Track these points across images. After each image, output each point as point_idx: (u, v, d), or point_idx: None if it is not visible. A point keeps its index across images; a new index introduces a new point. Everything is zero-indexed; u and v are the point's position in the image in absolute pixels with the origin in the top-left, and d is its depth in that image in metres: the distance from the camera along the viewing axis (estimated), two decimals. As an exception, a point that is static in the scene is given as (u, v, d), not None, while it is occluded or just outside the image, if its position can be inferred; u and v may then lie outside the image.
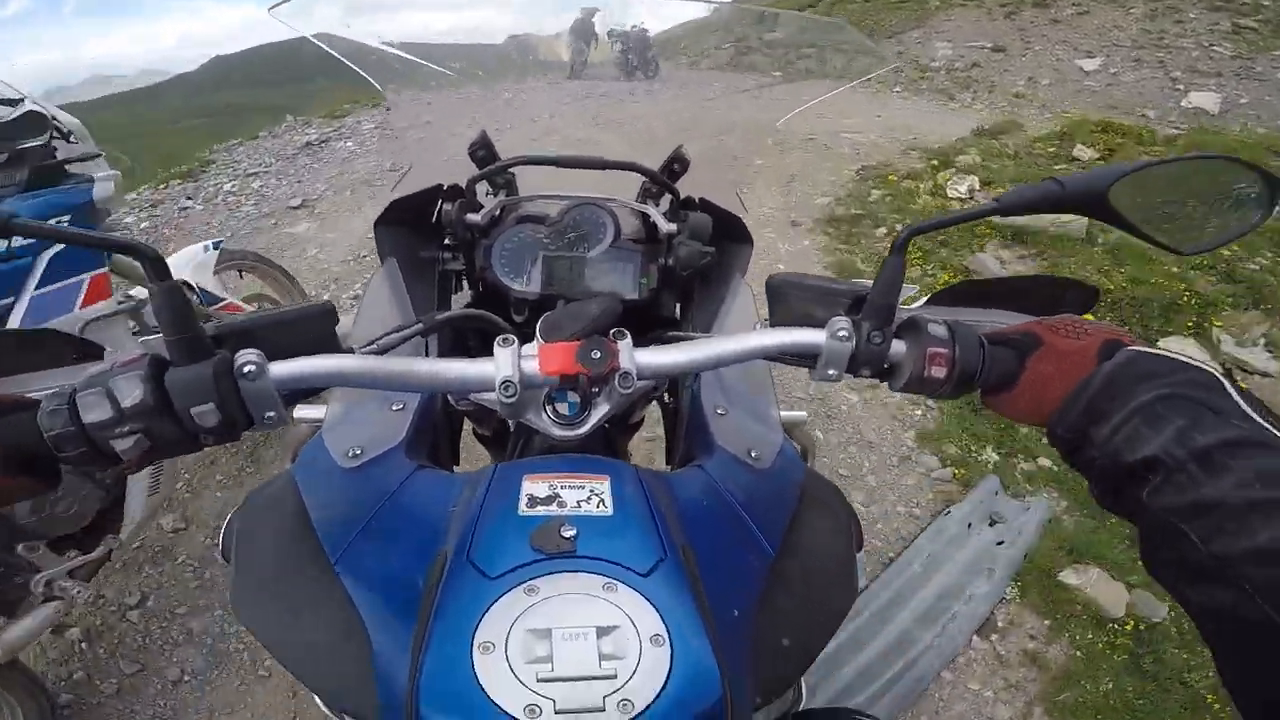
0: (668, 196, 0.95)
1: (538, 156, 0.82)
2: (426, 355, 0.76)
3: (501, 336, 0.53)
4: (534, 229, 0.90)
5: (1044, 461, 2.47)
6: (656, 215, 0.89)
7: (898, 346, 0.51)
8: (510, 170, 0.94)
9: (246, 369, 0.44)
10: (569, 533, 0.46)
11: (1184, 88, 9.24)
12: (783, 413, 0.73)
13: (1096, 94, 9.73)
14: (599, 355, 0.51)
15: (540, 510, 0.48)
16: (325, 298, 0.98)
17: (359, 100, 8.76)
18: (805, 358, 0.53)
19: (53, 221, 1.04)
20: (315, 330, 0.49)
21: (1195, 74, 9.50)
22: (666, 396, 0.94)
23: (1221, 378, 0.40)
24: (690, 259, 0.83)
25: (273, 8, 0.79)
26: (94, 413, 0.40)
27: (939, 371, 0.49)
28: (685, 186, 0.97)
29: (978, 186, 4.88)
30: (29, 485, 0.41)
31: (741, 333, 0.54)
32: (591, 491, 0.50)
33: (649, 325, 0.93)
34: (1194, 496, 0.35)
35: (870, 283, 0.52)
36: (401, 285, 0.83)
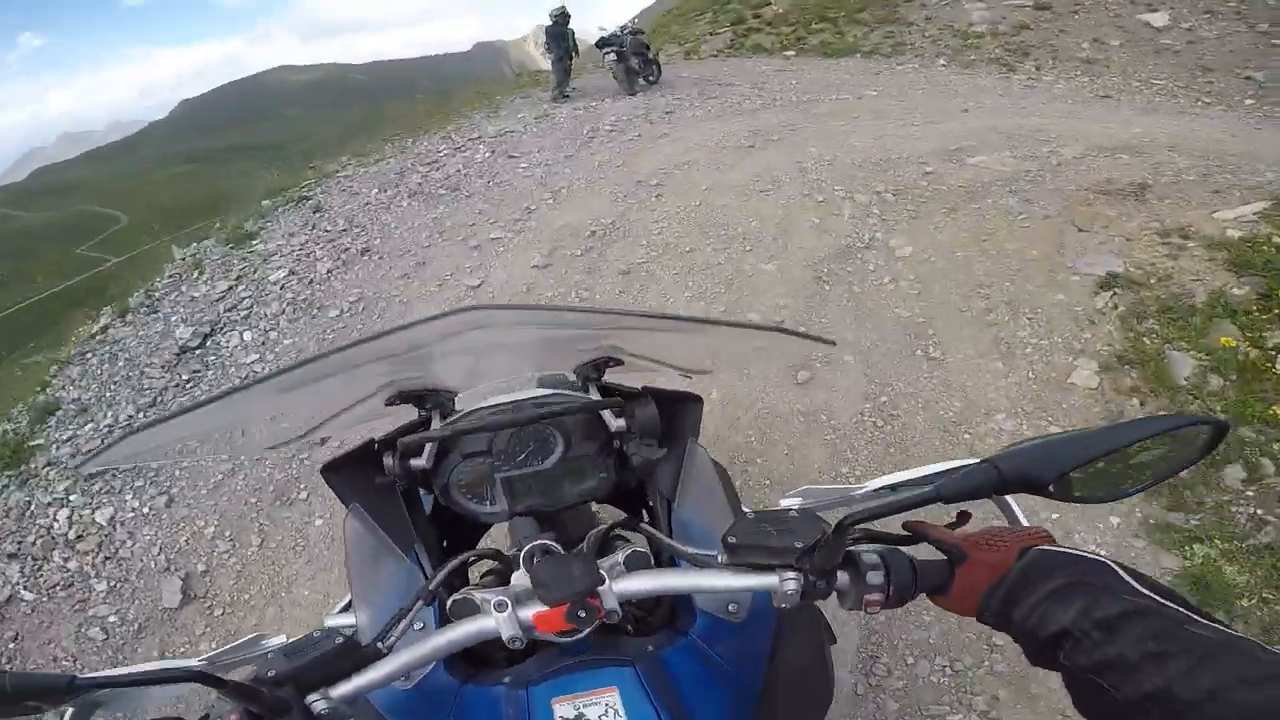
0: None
1: (472, 426, 0.81)
2: (421, 570, 0.78)
3: (497, 600, 0.60)
4: (483, 459, 0.86)
5: None
6: (606, 415, 0.86)
7: (842, 578, 0.59)
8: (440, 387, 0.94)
9: (325, 710, 0.56)
10: None
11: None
12: None
13: (1180, 55, 8.45)
14: (585, 614, 0.59)
15: None
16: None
17: (291, 181, 7.49)
18: None
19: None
20: (347, 655, 0.58)
21: (1288, 24, 8.27)
22: (645, 515, 0.95)
23: (1114, 564, 0.49)
24: (645, 467, 0.84)
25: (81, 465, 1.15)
26: None
27: (874, 607, 0.59)
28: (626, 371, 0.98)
29: None
30: None
31: (711, 568, 0.61)
32: (606, 705, 0.61)
33: (615, 490, 0.93)
34: (1100, 656, 0.45)
35: (823, 528, 0.56)
36: (374, 525, 0.81)
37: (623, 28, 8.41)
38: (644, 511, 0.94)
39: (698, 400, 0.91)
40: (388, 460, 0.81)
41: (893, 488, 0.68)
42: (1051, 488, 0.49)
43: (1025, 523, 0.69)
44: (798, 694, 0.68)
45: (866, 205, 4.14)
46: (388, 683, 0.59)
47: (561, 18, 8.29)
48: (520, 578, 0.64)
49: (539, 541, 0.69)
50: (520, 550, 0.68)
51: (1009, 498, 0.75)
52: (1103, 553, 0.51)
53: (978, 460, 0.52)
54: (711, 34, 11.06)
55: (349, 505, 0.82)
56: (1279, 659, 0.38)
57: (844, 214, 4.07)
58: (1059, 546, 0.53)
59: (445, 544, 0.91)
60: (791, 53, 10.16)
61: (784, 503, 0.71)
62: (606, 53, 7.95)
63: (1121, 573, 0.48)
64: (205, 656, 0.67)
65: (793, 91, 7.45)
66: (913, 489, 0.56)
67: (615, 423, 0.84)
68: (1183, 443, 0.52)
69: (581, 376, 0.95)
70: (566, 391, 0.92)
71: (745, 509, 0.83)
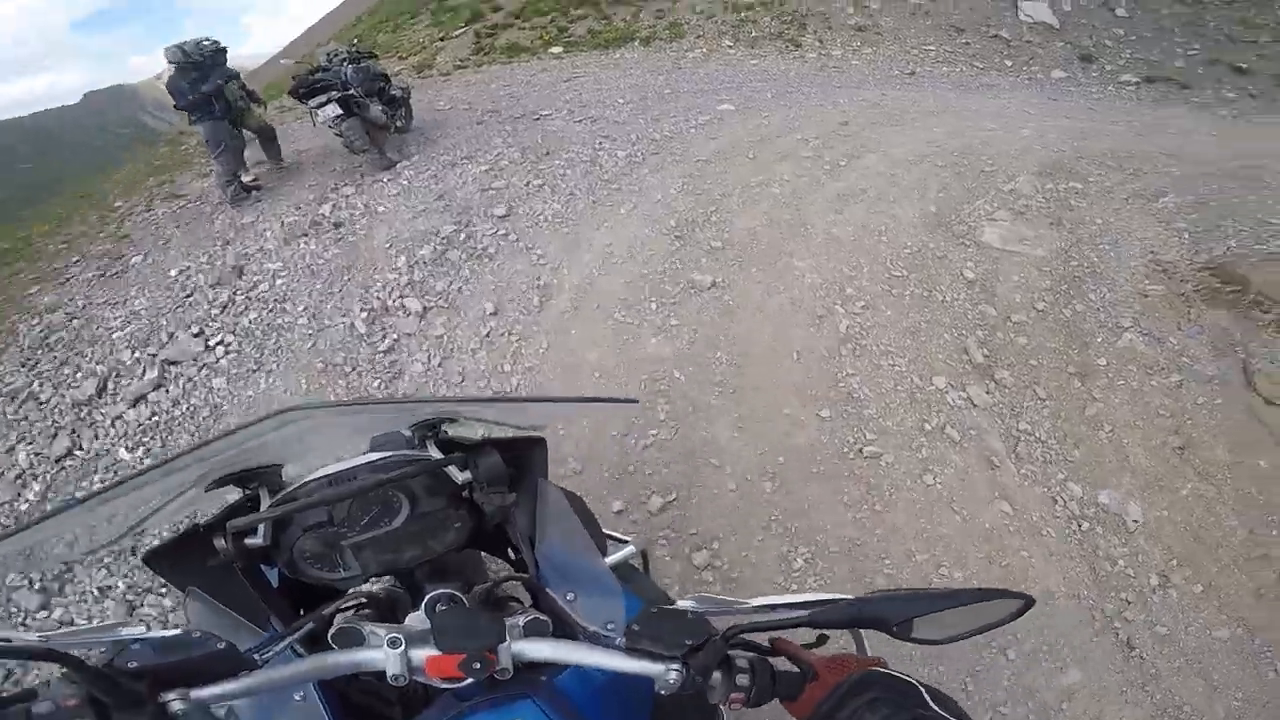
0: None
1: (305, 504, 0.73)
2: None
3: (390, 636, 0.59)
4: (325, 529, 0.77)
5: None
6: (450, 470, 0.81)
7: (715, 677, 0.61)
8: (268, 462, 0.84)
9: (180, 711, 0.52)
10: None
11: (1006, 1, 8.60)
12: (612, 557, 0.92)
13: (931, 15, 8.47)
14: (479, 667, 0.59)
15: None
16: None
17: None
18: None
19: None
20: (219, 660, 0.55)
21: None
22: (511, 553, 0.95)
23: (919, 685, 0.57)
24: (495, 514, 0.82)
25: None
26: None
27: (736, 705, 0.61)
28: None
29: None
30: None
31: (606, 648, 0.63)
32: None
33: (475, 536, 0.88)
34: None
35: (710, 632, 0.61)
36: (220, 607, 0.74)
37: (334, 55, 4.79)
38: (509, 550, 0.94)
39: (541, 441, 0.90)
40: (219, 543, 0.73)
41: (772, 607, 0.66)
42: (895, 629, 0.59)
43: (869, 652, 0.74)
44: (685, 702, 0.67)
45: (1023, 445, 2.58)
46: (253, 693, 0.56)
47: (214, 54, 4.18)
48: (418, 620, 0.64)
49: (443, 590, 0.67)
50: (425, 596, 0.67)
51: (861, 631, 0.79)
52: (904, 674, 0.58)
53: (846, 597, 0.62)
54: (443, 39, 8.07)
55: (186, 590, 0.76)
56: None
57: (1046, 519, 2.45)
58: (885, 670, 0.61)
59: (302, 612, 0.83)
60: (559, 49, 7.89)
61: (681, 603, 0.68)
62: (322, 105, 4.31)
63: (923, 692, 0.57)
64: (51, 633, 0.59)
65: (626, 114, 5.41)
66: (789, 611, 0.63)
67: (461, 476, 0.80)
68: (999, 607, 0.59)
69: (418, 434, 0.89)
70: (404, 452, 0.84)
71: (632, 550, 0.96)
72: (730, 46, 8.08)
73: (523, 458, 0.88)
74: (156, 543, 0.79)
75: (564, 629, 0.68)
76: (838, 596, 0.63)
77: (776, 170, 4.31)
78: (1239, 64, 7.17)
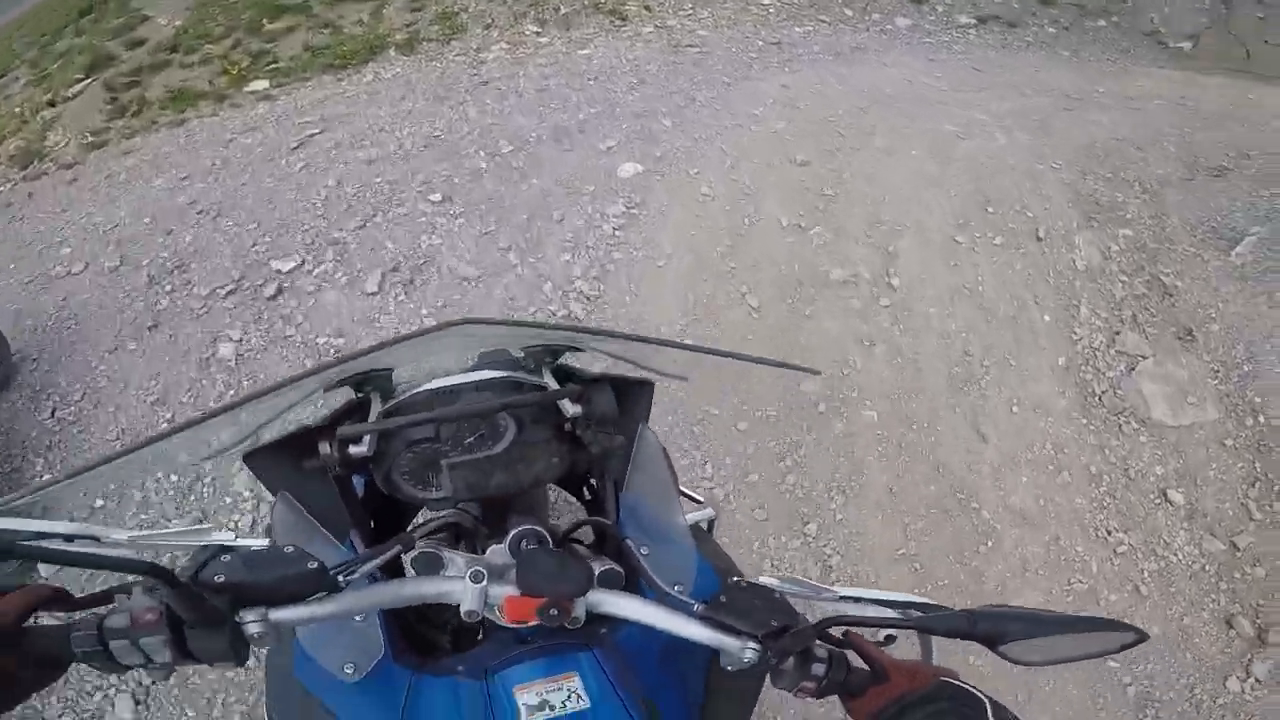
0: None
1: (424, 418, 0.71)
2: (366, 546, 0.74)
3: (474, 570, 0.58)
4: (429, 444, 0.76)
5: None
6: (564, 403, 0.77)
7: (789, 662, 0.58)
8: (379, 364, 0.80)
9: (257, 633, 0.51)
10: None
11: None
12: (691, 516, 0.91)
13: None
14: (555, 614, 0.58)
15: (539, 718, 0.58)
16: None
17: None
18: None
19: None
20: (309, 580, 0.53)
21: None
22: (586, 493, 0.94)
23: (988, 701, 0.54)
24: (604, 455, 0.78)
25: None
26: (127, 657, 0.48)
27: (803, 695, 0.59)
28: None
29: None
30: (45, 678, 0.49)
31: (683, 614, 0.60)
32: (569, 690, 0.59)
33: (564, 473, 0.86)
34: None
35: (798, 615, 0.60)
36: (306, 515, 0.74)
37: None
38: (585, 490, 0.93)
39: (649, 384, 0.88)
40: (324, 449, 0.72)
41: (857, 599, 0.65)
42: (1002, 648, 0.56)
43: (935, 661, 0.71)
44: (735, 675, 0.66)
45: None
46: (332, 618, 0.55)
47: None
48: (500, 554, 0.64)
49: (528, 526, 0.67)
50: (509, 529, 0.66)
51: (932, 638, 0.76)
52: (988, 693, 0.55)
53: (936, 603, 0.63)
54: (53, 102, 4.41)
55: (277, 493, 0.77)
56: None
57: None
58: (956, 681, 0.57)
59: (374, 525, 0.83)
60: (263, 83, 4.81)
61: (764, 580, 0.65)
62: None
63: (988, 707, 0.54)
64: (140, 533, 0.58)
65: (464, 229, 3.06)
66: (879, 608, 0.62)
67: (572, 409, 0.76)
68: (1108, 638, 0.57)
69: (534, 358, 0.87)
70: (518, 375, 0.83)
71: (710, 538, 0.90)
72: (538, 33, 5.77)
73: (628, 400, 0.84)
74: (261, 443, 0.76)
75: (631, 581, 0.67)
76: (929, 601, 0.63)
77: (829, 350, 2.72)
78: (1039, -7, 7.09)
